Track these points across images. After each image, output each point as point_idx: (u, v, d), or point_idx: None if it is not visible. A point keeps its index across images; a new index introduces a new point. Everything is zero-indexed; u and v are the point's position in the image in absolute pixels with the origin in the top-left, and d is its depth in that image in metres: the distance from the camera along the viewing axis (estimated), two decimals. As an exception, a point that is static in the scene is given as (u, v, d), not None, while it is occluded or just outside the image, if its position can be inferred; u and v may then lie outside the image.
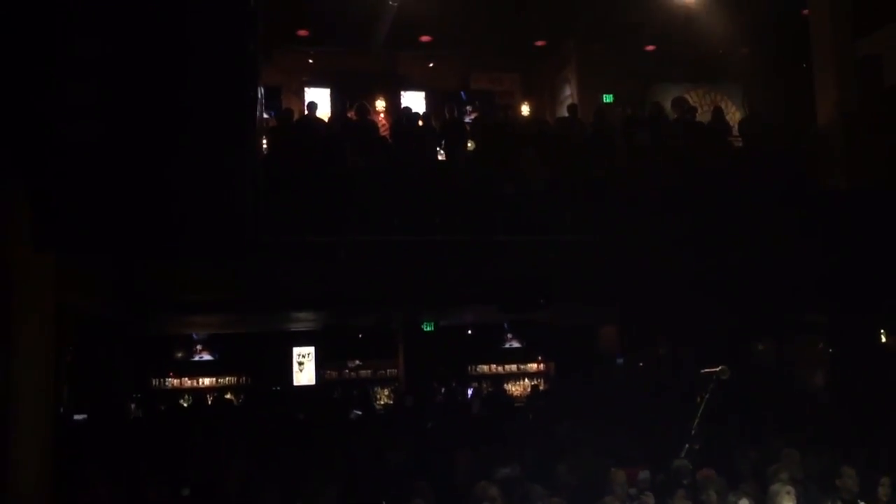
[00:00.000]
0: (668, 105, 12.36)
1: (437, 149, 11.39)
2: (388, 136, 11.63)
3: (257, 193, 4.72)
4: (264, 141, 10.79)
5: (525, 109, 15.89)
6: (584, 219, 10.02)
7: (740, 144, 12.13)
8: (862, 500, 6.74)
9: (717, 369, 4.48)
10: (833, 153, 11.18)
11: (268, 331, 14.97)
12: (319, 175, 9.63)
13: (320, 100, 14.10)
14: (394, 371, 16.22)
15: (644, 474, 7.39)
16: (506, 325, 16.72)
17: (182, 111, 4.61)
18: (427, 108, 14.61)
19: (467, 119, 13.74)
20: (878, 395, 12.20)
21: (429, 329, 12.88)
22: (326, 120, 12.45)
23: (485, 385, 16.58)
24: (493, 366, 17.23)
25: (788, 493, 6.57)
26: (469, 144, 11.61)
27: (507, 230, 9.99)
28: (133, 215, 4.97)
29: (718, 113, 12.40)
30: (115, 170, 4.85)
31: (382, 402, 15.99)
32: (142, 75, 4.62)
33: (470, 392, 15.62)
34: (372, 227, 9.52)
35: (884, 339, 14.00)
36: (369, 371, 16.70)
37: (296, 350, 15.65)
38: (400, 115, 12.32)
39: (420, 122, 11.54)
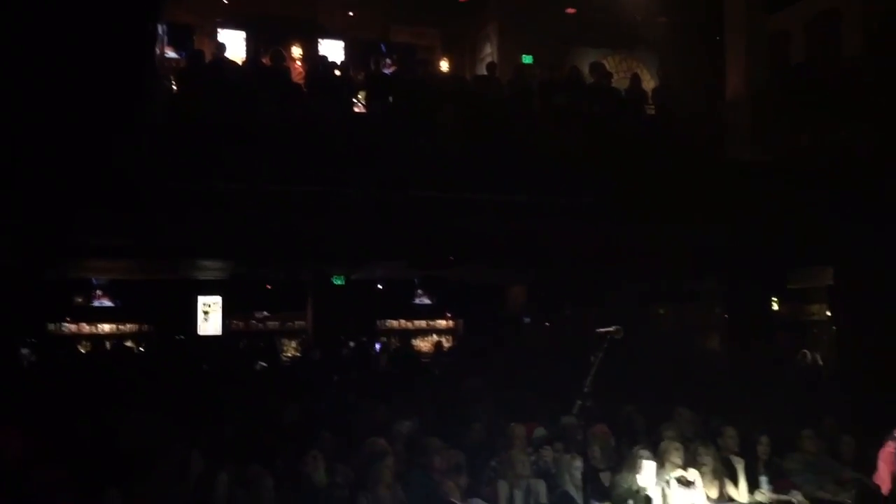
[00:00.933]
0: (585, 69, 12.46)
1: (354, 100, 11.21)
2: (303, 85, 11.36)
3: (156, 136, 4.53)
4: (172, 82, 10.43)
5: (444, 65, 15.78)
6: (498, 179, 10.05)
7: (653, 112, 12.35)
8: (741, 457, 7.09)
9: (612, 329, 4.60)
10: (739, 126, 11.51)
11: (173, 278, 14.60)
12: (230, 120, 9.35)
13: (235, 43, 13.65)
14: (302, 323, 16.11)
15: (540, 431, 7.62)
16: (416, 282, 16.78)
17: (74, 48, 4.36)
18: (345, 58, 14.32)
19: (386, 72, 13.54)
20: (767, 358, 12.84)
21: (339, 283, 12.82)
22: (240, 63, 12.06)
23: (393, 340, 16.67)
24: (403, 321, 17.32)
25: (677, 449, 6.87)
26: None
27: (420, 186, 9.96)
28: (24, 159, 4.73)
29: (636, 80, 12.55)
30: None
31: (290, 355, 15.89)
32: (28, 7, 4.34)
33: (378, 347, 15.68)
34: (284, 176, 9.33)
35: (775, 307, 14.67)
36: (277, 323, 16.55)
37: (201, 299, 15.33)
38: (316, 64, 12.05)
39: (337, 72, 11.31)
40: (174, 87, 10.44)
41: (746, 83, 11.54)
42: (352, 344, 14.55)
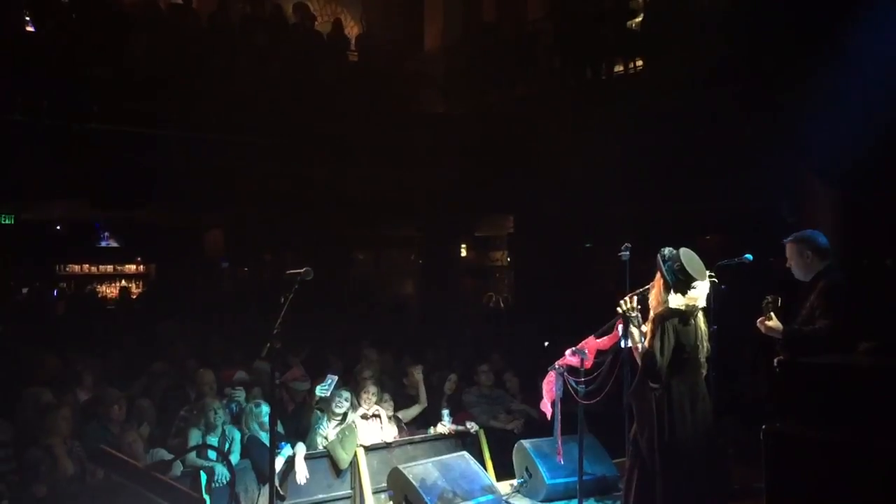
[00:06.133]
0: (289, 9, 12.20)
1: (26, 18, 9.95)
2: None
3: None
4: None
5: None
6: (190, 113, 9.56)
7: (356, 59, 12.43)
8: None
9: (302, 271, 4.58)
10: (434, 78, 11.98)
11: None
12: None
13: None
14: (-38, 268, 14.24)
15: (240, 374, 7.49)
16: (101, 223, 15.52)
17: None
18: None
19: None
20: (455, 301, 13.71)
21: (7, 222, 11.47)
22: None
23: (74, 286, 15.37)
24: (86, 266, 16.01)
25: (366, 390, 7.13)
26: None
27: (104, 118, 9.17)
28: None
29: (338, 25, 12.55)
30: None
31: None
32: None
33: (55, 293, 14.38)
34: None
35: (464, 253, 15.69)
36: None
37: None
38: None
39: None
40: None
41: (441, 38, 11.99)
42: (24, 290, 13.19)
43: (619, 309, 4.92)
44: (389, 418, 7.19)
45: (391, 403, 7.34)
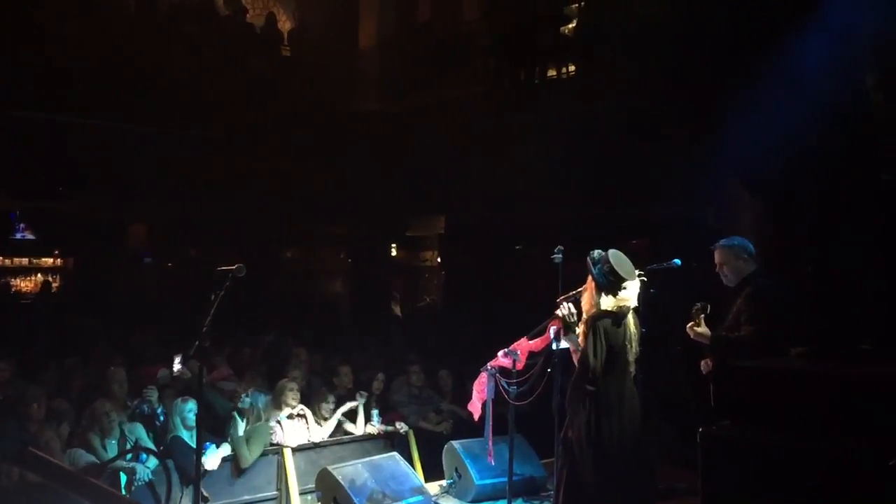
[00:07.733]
0: (220, 0, 11.94)
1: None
2: None
3: None
4: None
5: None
6: (119, 103, 9.28)
7: (289, 55, 12.26)
8: (363, 393, 7.49)
9: (234, 267, 4.47)
10: (367, 76, 11.91)
11: None
12: None
13: None
14: None
15: (162, 373, 7.30)
16: (16, 214, 14.86)
17: None
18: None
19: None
20: (383, 302, 13.65)
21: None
22: None
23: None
24: (0, 258, 15.34)
25: (291, 389, 7.03)
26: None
27: (26, 106, 8.83)
28: None
29: (271, 18, 12.37)
30: None
31: None
32: None
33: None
34: None
35: (394, 253, 15.61)
36: None
37: None
38: None
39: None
40: None
41: (376, 36, 11.94)
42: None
43: (558, 312, 4.97)
44: (323, 414, 7.14)
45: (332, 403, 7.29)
